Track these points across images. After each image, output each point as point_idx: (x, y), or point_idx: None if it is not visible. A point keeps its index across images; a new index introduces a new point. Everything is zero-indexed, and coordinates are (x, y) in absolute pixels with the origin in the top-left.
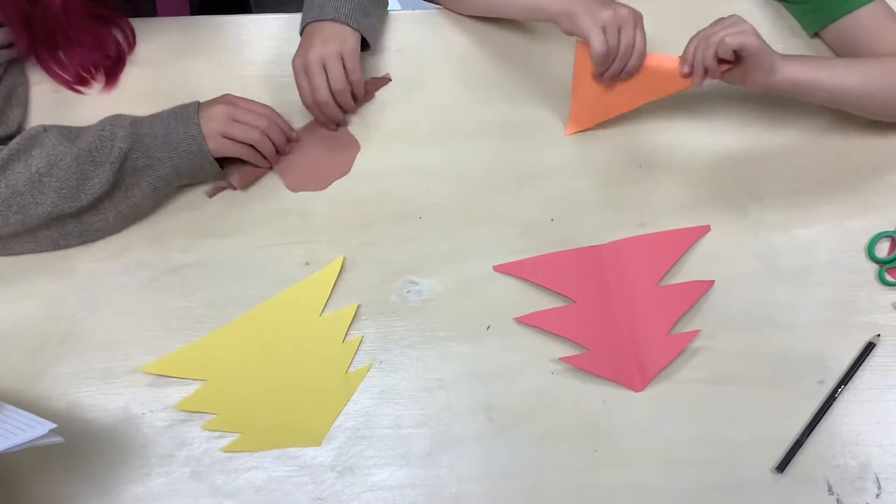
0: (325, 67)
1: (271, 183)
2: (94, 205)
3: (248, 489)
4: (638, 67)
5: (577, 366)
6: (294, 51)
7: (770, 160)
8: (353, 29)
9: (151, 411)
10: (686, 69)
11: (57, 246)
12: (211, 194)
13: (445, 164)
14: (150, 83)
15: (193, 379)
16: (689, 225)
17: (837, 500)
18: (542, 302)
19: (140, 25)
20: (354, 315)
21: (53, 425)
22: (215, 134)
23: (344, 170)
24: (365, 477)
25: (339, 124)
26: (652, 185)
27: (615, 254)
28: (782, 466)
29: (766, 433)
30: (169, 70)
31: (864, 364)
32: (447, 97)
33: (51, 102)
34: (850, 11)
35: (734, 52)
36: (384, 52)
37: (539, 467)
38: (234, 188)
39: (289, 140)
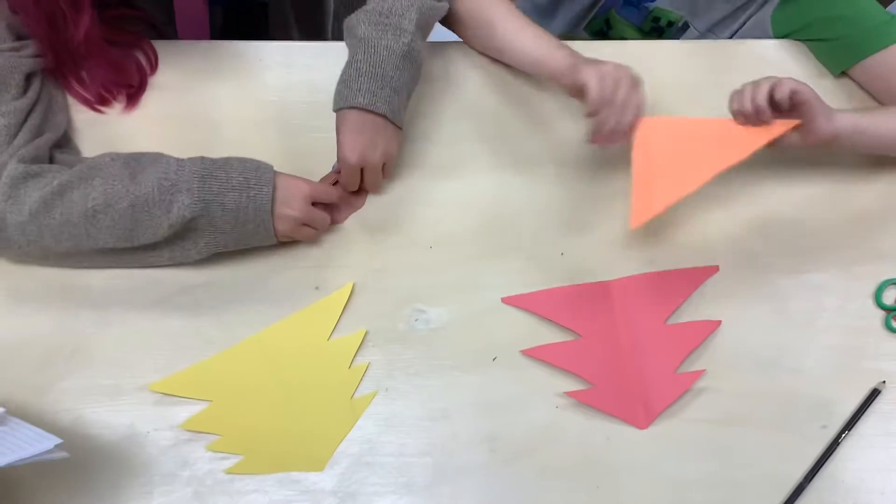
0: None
1: None
2: (150, 246)
3: None
4: (633, 124)
5: (582, 401)
6: (311, 76)
7: (780, 204)
8: (399, 129)
9: (156, 430)
10: (735, 105)
11: (110, 266)
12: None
13: (457, 194)
14: (170, 106)
15: (200, 399)
16: (697, 264)
17: None
18: (549, 335)
19: (162, 48)
20: (362, 341)
21: (59, 440)
22: (288, 224)
23: (359, 204)
24: None
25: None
26: (662, 223)
27: (623, 290)
28: None
29: (769, 476)
30: (189, 94)
31: (868, 410)
32: (461, 129)
33: (71, 121)
34: (880, 49)
35: (790, 98)
36: None
37: (540, 501)
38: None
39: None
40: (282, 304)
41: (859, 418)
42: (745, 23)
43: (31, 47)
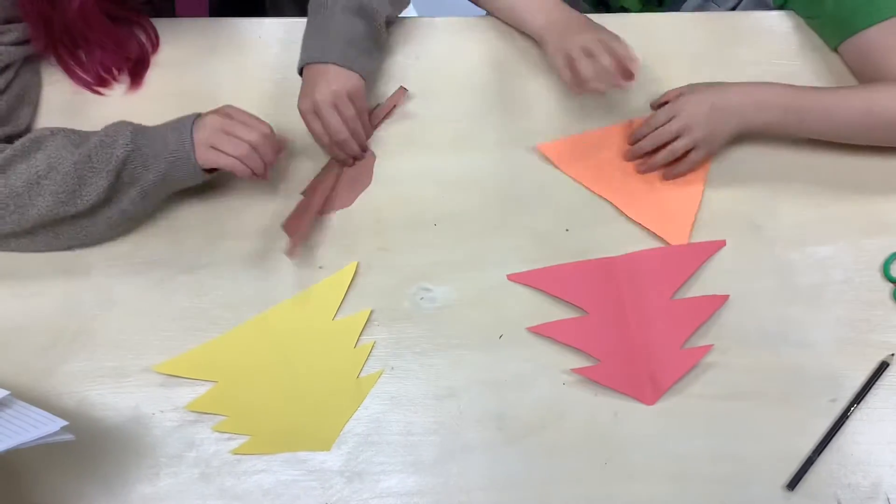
0: (336, 108)
1: (286, 186)
2: (91, 210)
3: (256, 492)
4: (618, 74)
5: (589, 377)
6: None
7: (787, 177)
8: (356, 72)
9: (162, 411)
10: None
11: (50, 247)
12: (289, 254)
13: (462, 171)
14: (170, 85)
15: (205, 380)
16: (704, 239)
17: None
18: (555, 312)
19: (162, 26)
20: (367, 320)
21: (65, 423)
22: (204, 144)
23: (366, 182)
24: (373, 483)
25: (356, 158)
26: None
27: (630, 266)
28: (793, 484)
29: (778, 450)
30: (189, 71)
31: (877, 383)
32: (464, 105)
33: (67, 103)
34: (864, 28)
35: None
36: (402, 59)
37: (548, 478)
38: (296, 244)
39: (279, 151)
40: (286, 284)
41: (868, 391)
42: None
43: (14, 32)
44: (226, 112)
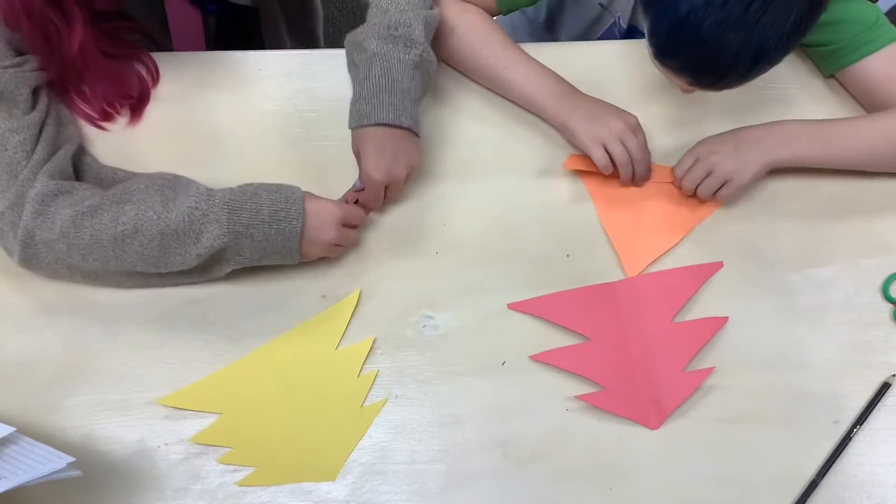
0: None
1: None
2: (177, 271)
3: None
4: (648, 171)
5: (592, 404)
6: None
7: (786, 199)
8: (418, 138)
9: (167, 444)
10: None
11: (136, 287)
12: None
13: (462, 199)
14: (171, 118)
15: (209, 412)
16: (702, 261)
17: None
18: (557, 339)
19: (161, 60)
20: (370, 349)
21: (72, 459)
22: (319, 249)
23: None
24: None
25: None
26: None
27: (629, 291)
28: None
29: (782, 473)
30: (190, 105)
31: (879, 404)
32: (466, 133)
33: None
34: (861, 58)
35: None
36: None
37: None
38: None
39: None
40: (289, 314)
41: (870, 412)
42: None
43: (32, 62)
44: (336, 216)
